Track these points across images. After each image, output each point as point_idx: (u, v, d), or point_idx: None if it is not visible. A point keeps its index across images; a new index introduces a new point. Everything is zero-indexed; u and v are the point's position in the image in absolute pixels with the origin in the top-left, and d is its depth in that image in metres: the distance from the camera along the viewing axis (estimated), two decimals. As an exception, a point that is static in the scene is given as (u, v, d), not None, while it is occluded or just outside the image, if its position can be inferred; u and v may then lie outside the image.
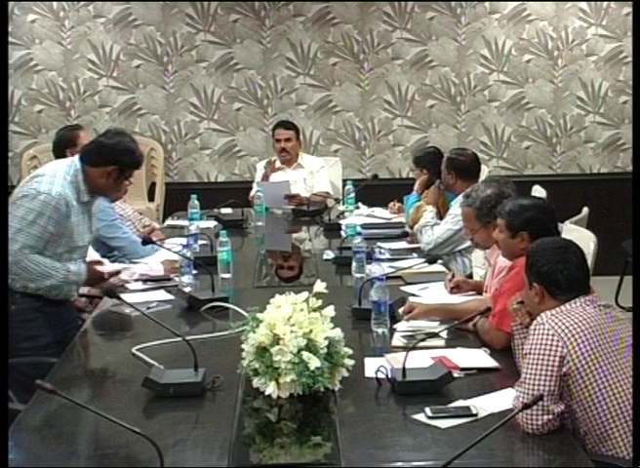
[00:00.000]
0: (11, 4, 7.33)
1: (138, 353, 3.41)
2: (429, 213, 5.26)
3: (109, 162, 3.86)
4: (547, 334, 2.77)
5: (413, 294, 4.12)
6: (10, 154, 7.54)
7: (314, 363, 2.86)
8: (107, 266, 4.27)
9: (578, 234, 4.49)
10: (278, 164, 6.67)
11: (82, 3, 7.43)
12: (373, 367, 3.09)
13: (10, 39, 7.38)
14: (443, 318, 3.68)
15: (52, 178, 3.83)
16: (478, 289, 4.11)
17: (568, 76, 7.59)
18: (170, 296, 4.23)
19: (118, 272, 4.23)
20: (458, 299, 3.97)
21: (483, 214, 3.94)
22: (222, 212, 6.19)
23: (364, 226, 5.32)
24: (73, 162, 3.92)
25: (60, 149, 5.48)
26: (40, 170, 3.98)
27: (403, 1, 7.48)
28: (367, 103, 7.62)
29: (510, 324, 3.26)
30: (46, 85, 7.52)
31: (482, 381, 3.08)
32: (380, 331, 3.55)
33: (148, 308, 3.97)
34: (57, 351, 3.66)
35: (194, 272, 4.38)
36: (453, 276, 4.24)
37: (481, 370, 3.15)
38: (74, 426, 2.82)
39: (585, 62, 7.58)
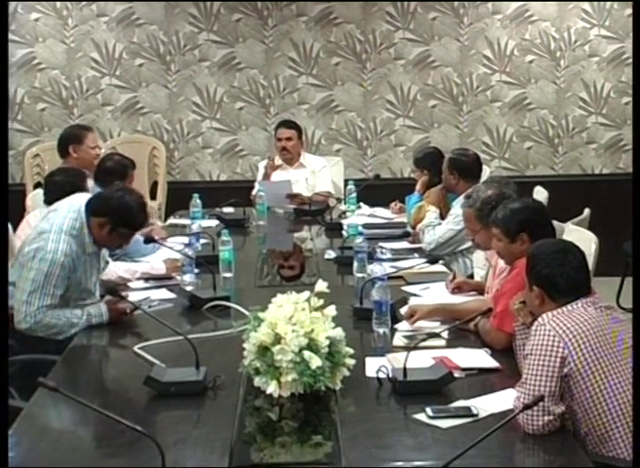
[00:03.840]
0: (14, 2, 7.34)
1: (139, 351, 3.42)
2: (432, 213, 5.27)
3: (103, 213, 3.88)
4: (549, 335, 2.78)
5: (414, 294, 4.13)
6: (12, 152, 7.54)
7: (315, 362, 2.87)
8: (126, 301, 3.95)
9: (579, 235, 4.49)
10: (278, 161, 6.67)
11: (85, 2, 7.43)
12: (374, 366, 3.10)
13: (13, 37, 7.39)
14: (444, 318, 3.68)
15: (57, 236, 3.85)
16: (479, 289, 4.12)
17: (570, 77, 7.60)
18: (171, 295, 4.23)
19: (137, 307, 3.88)
20: (459, 299, 3.97)
21: (484, 215, 3.93)
22: (224, 211, 6.19)
23: (365, 226, 5.33)
24: (79, 214, 3.92)
25: (65, 145, 5.51)
26: (46, 224, 3.94)
27: (406, 1, 7.48)
28: (369, 103, 7.62)
29: (511, 324, 3.26)
30: (49, 83, 7.52)
31: (483, 382, 3.08)
32: (381, 330, 3.55)
33: (150, 307, 3.97)
34: (59, 349, 3.68)
35: (196, 271, 4.39)
36: (454, 277, 4.24)
37: (482, 371, 3.16)
38: (76, 424, 2.83)
39: (588, 63, 7.57)
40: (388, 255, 4.76)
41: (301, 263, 5.28)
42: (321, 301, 3.01)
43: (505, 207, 3.58)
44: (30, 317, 3.77)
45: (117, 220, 3.87)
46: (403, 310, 3.74)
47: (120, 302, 3.86)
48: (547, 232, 3.51)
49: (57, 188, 4.71)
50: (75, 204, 4.00)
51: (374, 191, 6.46)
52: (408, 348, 3.14)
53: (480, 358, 3.27)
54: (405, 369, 2.97)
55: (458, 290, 4.14)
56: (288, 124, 6.73)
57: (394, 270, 4.30)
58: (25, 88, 7.51)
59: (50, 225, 3.93)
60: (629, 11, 7.42)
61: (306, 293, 3.02)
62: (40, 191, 5.14)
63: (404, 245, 5.20)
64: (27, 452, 2.70)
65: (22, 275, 3.84)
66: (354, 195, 6.22)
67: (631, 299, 3.90)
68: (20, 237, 4.73)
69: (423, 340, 3.26)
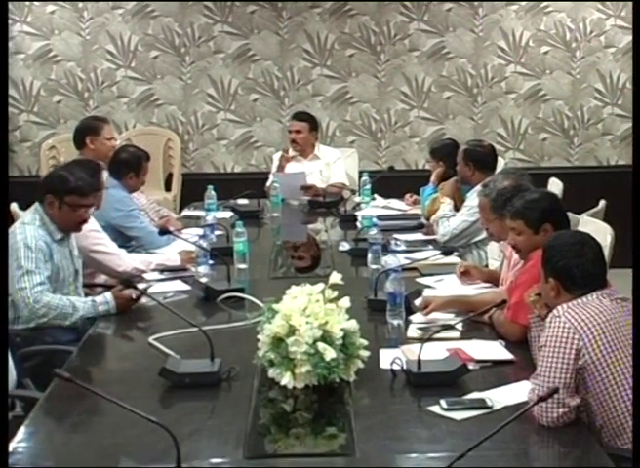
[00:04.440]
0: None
1: (154, 343, 3.43)
2: (447, 205, 5.26)
3: (44, 191, 3.95)
4: (564, 327, 2.77)
5: (428, 286, 4.12)
6: (29, 144, 7.59)
7: (330, 354, 2.87)
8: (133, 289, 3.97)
9: (594, 227, 4.47)
10: (291, 153, 6.67)
11: (100, -6, 7.46)
12: (388, 358, 3.10)
13: (29, 30, 7.43)
14: (458, 310, 3.68)
15: (21, 229, 3.91)
16: (492, 279, 4.11)
17: (586, 68, 7.56)
18: (186, 287, 4.24)
19: (144, 293, 3.93)
20: (473, 291, 3.97)
21: (498, 206, 3.92)
22: (239, 202, 6.20)
23: (380, 218, 5.31)
24: (36, 208, 3.99)
25: (82, 136, 5.52)
26: (11, 228, 4.03)
27: (420, -7, 7.47)
28: (383, 95, 7.61)
29: (526, 316, 3.25)
30: (65, 75, 7.54)
31: (497, 373, 3.08)
32: (395, 322, 3.55)
33: (165, 298, 3.99)
34: (74, 340, 3.70)
35: (210, 262, 4.40)
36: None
37: (496, 363, 3.16)
38: (91, 415, 2.84)
39: (604, 54, 7.54)
40: (403, 247, 4.75)
41: (316, 255, 5.28)
42: (335, 293, 3.01)
43: (523, 198, 3.55)
44: (28, 298, 3.77)
45: (57, 190, 3.94)
46: (417, 302, 3.74)
47: (125, 289, 3.87)
48: (567, 222, 3.50)
49: None
50: (25, 214, 4.09)
51: (388, 183, 6.46)
52: (422, 340, 3.14)
53: (494, 350, 3.27)
54: (419, 360, 2.97)
55: (466, 275, 4.13)
56: (299, 116, 6.70)
57: (408, 262, 4.29)
58: (41, 80, 7.54)
59: (13, 227, 4.00)
60: (646, 1, 7.37)
61: (321, 285, 3.02)
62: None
63: (418, 236, 5.19)
64: (43, 443, 2.72)
65: (10, 274, 3.82)
66: (368, 187, 6.21)
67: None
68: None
69: (438, 332, 3.25)
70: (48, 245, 3.90)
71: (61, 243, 4.01)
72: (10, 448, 2.59)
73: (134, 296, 3.90)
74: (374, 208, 5.94)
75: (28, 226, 3.91)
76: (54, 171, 4.09)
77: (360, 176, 6.45)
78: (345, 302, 3.02)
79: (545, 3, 7.47)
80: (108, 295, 3.89)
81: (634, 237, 3.93)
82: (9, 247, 3.85)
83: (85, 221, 4.05)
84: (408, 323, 3.57)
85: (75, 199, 3.94)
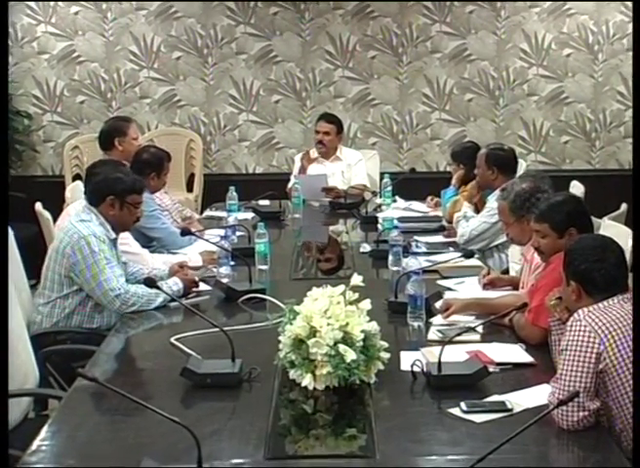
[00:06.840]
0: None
1: (176, 343, 3.45)
2: (467, 207, 5.27)
3: (105, 194, 4.02)
4: (584, 331, 2.77)
5: (449, 288, 4.12)
6: (52, 144, 7.64)
7: (350, 355, 2.88)
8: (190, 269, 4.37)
9: (615, 230, 4.45)
10: (314, 154, 6.68)
11: (124, -5, 7.51)
12: (408, 360, 3.11)
13: (53, 30, 7.49)
14: (479, 312, 3.68)
15: (82, 225, 3.95)
16: (513, 284, 4.11)
17: (608, 70, 7.53)
18: (208, 287, 4.26)
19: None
20: (494, 294, 3.97)
21: (516, 208, 3.93)
22: (260, 203, 6.22)
23: (401, 220, 5.33)
24: (88, 208, 4.04)
25: (110, 138, 5.54)
26: (66, 224, 4.07)
27: (443, -5, 7.47)
28: (405, 97, 7.62)
29: (546, 319, 3.25)
30: (88, 76, 7.59)
31: (517, 376, 3.08)
32: (415, 324, 3.56)
33: (187, 298, 4.01)
34: (96, 339, 3.73)
35: (232, 263, 4.41)
36: (488, 272, 4.23)
37: (516, 366, 3.16)
38: (113, 414, 2.86)
39: (626, 57, 7.50)
40: (423, 249, 4.75)
41: (337, 256, 5.28)
42: (356, 295, 3.02)
43: (548, 201, 3.55)
44: (118, 289, 3.86)
45: (119, 192, 4.02)
46: (438, 304, 3.74)
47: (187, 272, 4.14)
48: (591, 226, 3.49)
49: None
50: (72, 210, 4.12)
51: (409, 185, 6.46)
52: (442, 342, 3.14)
53: (515, 353, 3.27)
54: (439, 363, 2.97)
55: (490, 286, 4.13)
56: (329, 118, 6.72)
57: (429, 264, 4.29)
58: (65, 80, 7.59)
59: (70, 223, 4.02)
60: (670, 4, 7.34)
61: (342, 287, 3.03)
62: (80, 183, 5.19)
63: (439, 239, 5.20)
64: (66, 441, 2.74)
65: (73, 271, 3.90)
66: (390, 188, 6.22)
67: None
68: (59, 227, 4.78)
69: (458, 335, 3.25)
70: (106, 242, 3.98)
71: (113, 243, 4.08)
72: (33, 447, 2.62)
73: (196, 279, 4.11)
74: (395, 210, 5.95)
75: (89, 223, 3.98)
76: (105, 174, 4.10)
77: (381, 178, 6.46)
78: (366, 304, 3.03)
79: (568, 5, 7.45)
80: (175, 278, 4.05)
81: (634, 243, 3.90)
82: (67, 245, 3.91)
83: (139, 219, 4.18)
84: (428, 325, 3.58)
85: (135, 197, 4.08)
